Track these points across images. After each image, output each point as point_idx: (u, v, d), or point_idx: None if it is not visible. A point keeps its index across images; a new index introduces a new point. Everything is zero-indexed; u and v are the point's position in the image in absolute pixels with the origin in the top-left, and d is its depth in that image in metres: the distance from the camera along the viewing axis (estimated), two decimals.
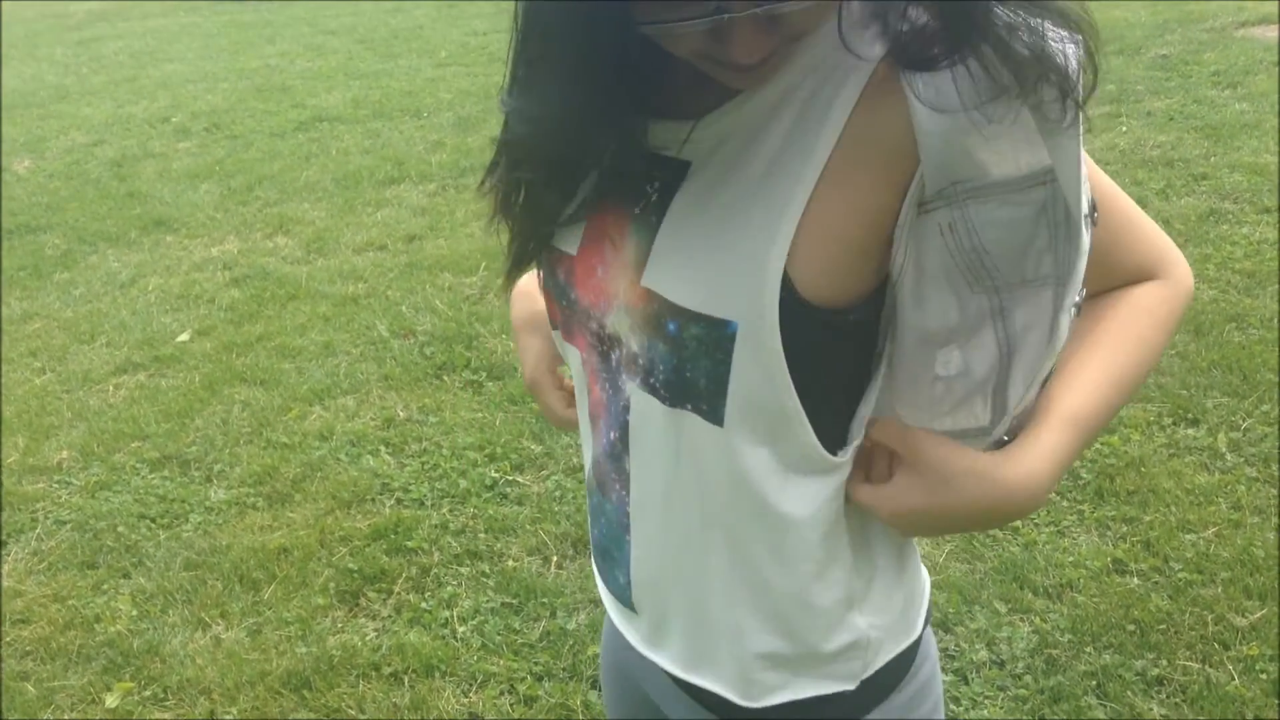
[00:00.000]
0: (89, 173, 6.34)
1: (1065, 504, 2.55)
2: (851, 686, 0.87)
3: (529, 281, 1.08)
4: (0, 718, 2.27)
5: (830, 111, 0.72)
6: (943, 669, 2.09)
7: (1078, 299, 0.75)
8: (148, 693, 2.30)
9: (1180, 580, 2.28)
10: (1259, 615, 2.17)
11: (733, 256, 0.75)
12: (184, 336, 4.00)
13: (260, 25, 11.11)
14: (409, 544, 2.65)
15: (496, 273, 4.18)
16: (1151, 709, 1.99)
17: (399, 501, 2.86)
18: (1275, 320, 3.15)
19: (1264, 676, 2.03)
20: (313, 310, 4.09)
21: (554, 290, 0.91)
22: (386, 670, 2.27)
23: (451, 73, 7.86)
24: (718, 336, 0.76)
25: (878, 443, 0.82)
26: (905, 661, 0.90)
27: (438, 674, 2.25)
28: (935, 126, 0.69)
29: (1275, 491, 2.51)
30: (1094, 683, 2.06)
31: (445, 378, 3.47)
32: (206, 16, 12.19)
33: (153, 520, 2.89)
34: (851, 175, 0.73)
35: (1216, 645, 2.11)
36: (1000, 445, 0.80)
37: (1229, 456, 2.64)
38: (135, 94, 8.38)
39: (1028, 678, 2.08)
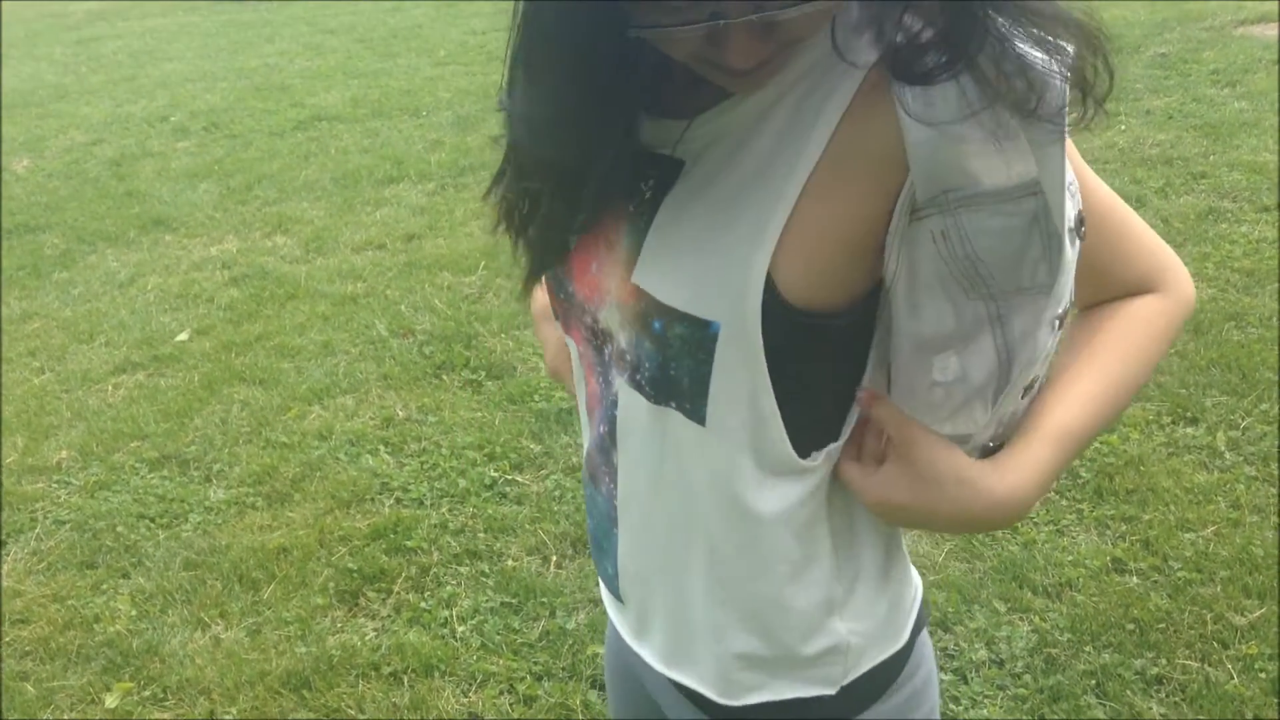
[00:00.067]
0: (88, 172, 6.34)
1: (1064, 503, 2.55)
2: (831, 691, 0.87)
3: None
4: (0, 717, 2.27)
5: (820, 117, 0.73)
6: (942, 668, 2.10)
7: (1060, 312, 0.75)
8: (147, 693, 2.30)
9: (1179, 579, 2.28)
10: (1258, 614, 2.17)
11: (718, 258, 0.76)
12: (183, 336, 4.00)
13: (259, 24, 11.11)
14: (408, 543, 2.65)
15: (496, 272, 4.18)
16: (1151, 708, 1.99)
17: (398, 501, 2.86)
18: (1274, 319, 3.16)
19: (1263, 675, 2.03)
20: (312, 310, 4.08)
21: (554, 283, 0.92)
22: (386, 670, 2.28)
23: (450, 72, 7.85)
24: (701, 337, 0.77)
25: (874, 421, 0.82)
26: (892, 668, 0.89)
27: (437, 674, 2.25)
28: (924, 137, 0.69)
29: (1274, 490, 2.51)
30: (1093, 682, 2.06)
31: (444, 377, 3.47)
32: (205, 16, 12.18)
33: (152, 520, 2.89)
34: (839, 182, 0.73)
35: (1216, 644, 2.11)
36: (988, 453, 0.81)
37: (1228, 455, 2.64)
38: (134, 93, 8.37)
39: (1027, 677, 2.08)
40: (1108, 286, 0.84)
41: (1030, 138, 0.68)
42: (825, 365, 0.80)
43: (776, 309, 0.74)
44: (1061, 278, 0.72)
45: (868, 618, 0.87)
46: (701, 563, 0.86)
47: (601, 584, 1.02)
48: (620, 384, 0.86)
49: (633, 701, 1.06)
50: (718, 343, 0.76)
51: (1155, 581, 2.29)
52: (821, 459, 0.82)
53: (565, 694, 2.16)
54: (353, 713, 2.18)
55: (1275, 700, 1.98)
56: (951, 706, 2.04)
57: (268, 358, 3.74)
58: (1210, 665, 2.07)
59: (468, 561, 2.59)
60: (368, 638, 2.38)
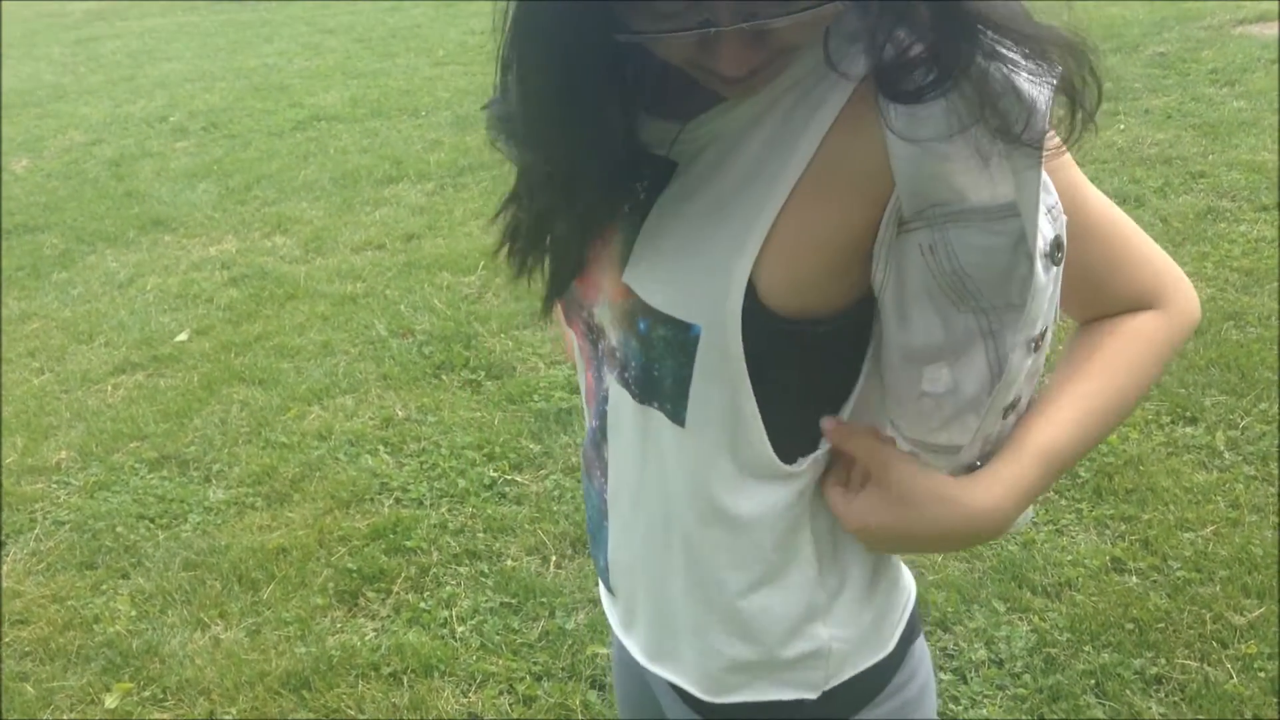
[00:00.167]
0: (87, 172, 6.33)
1: (1064, 503, 2.55)
2: (812, 696, 0.87)
3: None
4: (0, 718, 2.27)
5: (809, 126, 0.73)
6: (941, 668, 2.10)
7: (1035, 335, 0.74)
8: (147, 693, 2.30)
9: (1179, 579, 2.28)
10: (1257, 614, 2.17)
11: (701, 261, 0.76)
12: (182, 336, 4.00)
13: (258, 24, 11.10)
14: (408, 544, 2.65)
15: (495, 272, 4.18)
16: (1150, 708, 1.99)
17: (398, 501, 2.86)
18: (1273, 318, 3.16)
19: (1262, 675, 2.03)
20: (311, 310, 4.08)
21: None
22: (385, 670, 2.28)
23: (449, 72, 7.85)
24: (682, 339, 0.77)
25: (843, 450, 0.82)
26: (878, 675, 0.89)
27: (437, 674, 2.25)
28: (908, 153, 0.69)
29: (1273, 490, 2.51)
30: (1093, 681, 2.06)
31: (444, 377, 3.47)
32: (204, 15, 12.17)
33: (151, 520, 2.89)
34: (824, 191, 0.73)
35: (1215, 644, 2.11)
36: (972, 470, 0.81)
37: (1227, 455, 2.64)
38: (133, 93, 8.37)
39: (1026, 676, 2.08)
40: (1105, 300, 0.83)
41: (1010, 161, 0.68)
42: (808, 372, 0.80)
43: (758, 315, 0.75)
44: (1033, 301, 0.71)
45: (852, 625, 0.87)
46: (681, 561, 0.87)
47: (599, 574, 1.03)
48: (611, 380, 0.87)
49: (636, 695, 1.07)
50: (698, 346, 0.77)
51: (1154, 581, 2.29)
52: (806, 465, 0.82)
53: (565, 694, 2.16)
54: (352, 713, 2.18)
55: (1275, 700, 1.98)
56: (951, 706, 2.04)
57: (267, 358, 3.74)
58: (1209, 665, 2.07)
59: (467, 561, 2.59)
60: (367, 638, 2.38)
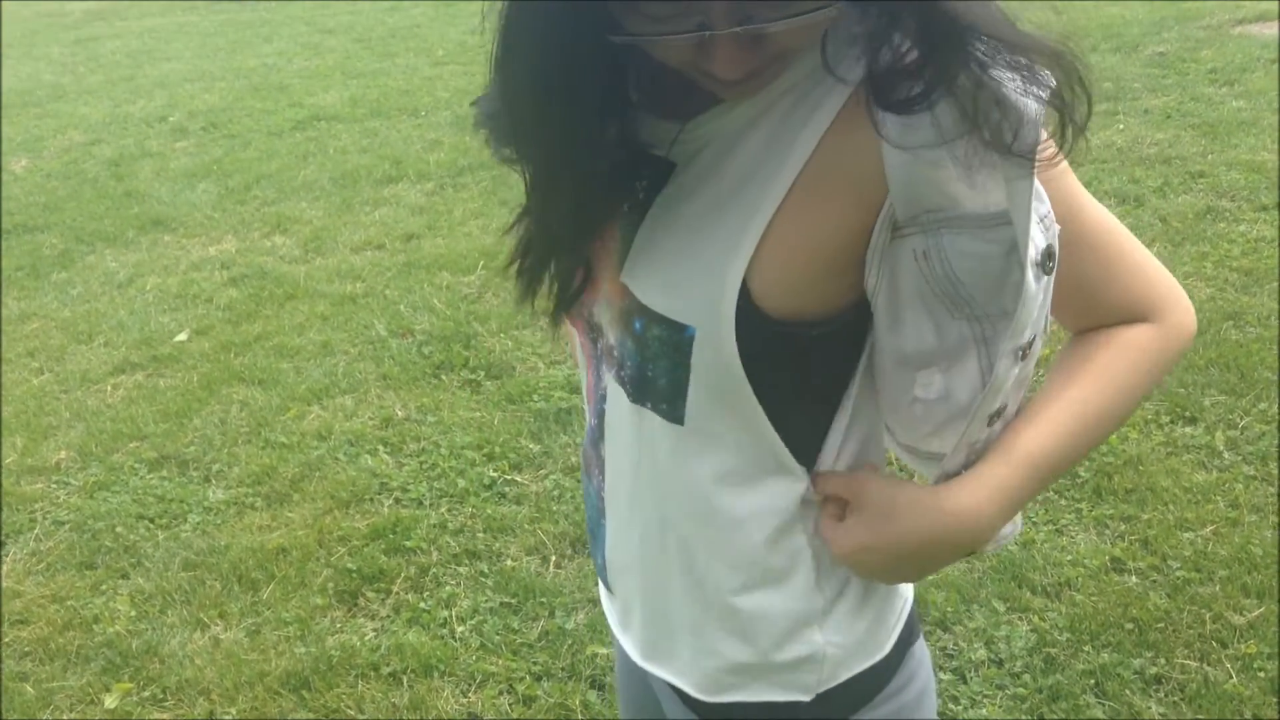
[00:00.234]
0: (86, 172, 6.33)
1: (1063, 502, 2.55)
2: (806, 698, 0.87)
3: None
4: (0, 718, 2.28)
5: (804, 130, 0.73)
6: (941, 668, 2.10)
7: (1022, 344, 0.74)
8: (146, 693, 2.30)
9: (1178, 579, 2.28)
10: (1257, 613, 2.17)
11: (696, 263, 0.76)
12: (182, 336, 4.00)
13: (258, 24, 11.10)
14: (407, 544, 2.65)
15: (495, 272, 4.18)
16: (1150, 707, 1.99)
17: (397, 501, 2.86)
18: (1273, 318, 3.16)
19: (1262, 674, 2.03)
20: (311, 310, 4.08)
21: None
22: (385, 670, 2.28)
23: (449, 71, 7.85)
24: (677, 340, 0.77)
25: (823, 492, 0.83)
26: (874, 679, 0.89)
27: (436, 674, 2.25)
28: (900, 159, 0.69)
29: (1273, 490, 2.51)
30: (1092, 681, 2.06)
31: (443, 377, 3.47)
32: (204, 15, 12.17)
33: (151, 520, 2.89)
34: (819, 195, 0.73)
35: (1215, 643, 2.11)
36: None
37: (1227, 455, 2.64)
38: (132, 93, 8.36)
39: (1026, 676, 2.08)
40: (1099, 311, 0.82)
41: (1003, 170, 0.69)
42: (804, 374, 0.80)
43: (752, 317, 0.75)
44: (1021, 310, 0.71)
45: (848, 631, 0.87)
46: (677, 561, 0.87)
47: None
48: (609, 379, 0.87)
49: (637, 695, 1.07)
50: (693, 347, 0.77)
51: (1154, 581, 2.29)
52: (805, 468, 0.83)
53: (564, 694, 2.16)
54: (352, 713, 2.18)
55: (1274, 699, 1.98)
56: (951, 706, 2.04)
57: (267, 358, 3.73)
58: (1209, 664, 2.07)
59: (467, 561, 2.59)
60: (367, 638, 2.38)
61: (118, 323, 4.17)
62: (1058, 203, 0.73)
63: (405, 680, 2.25)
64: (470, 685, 2.23)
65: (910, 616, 0.93)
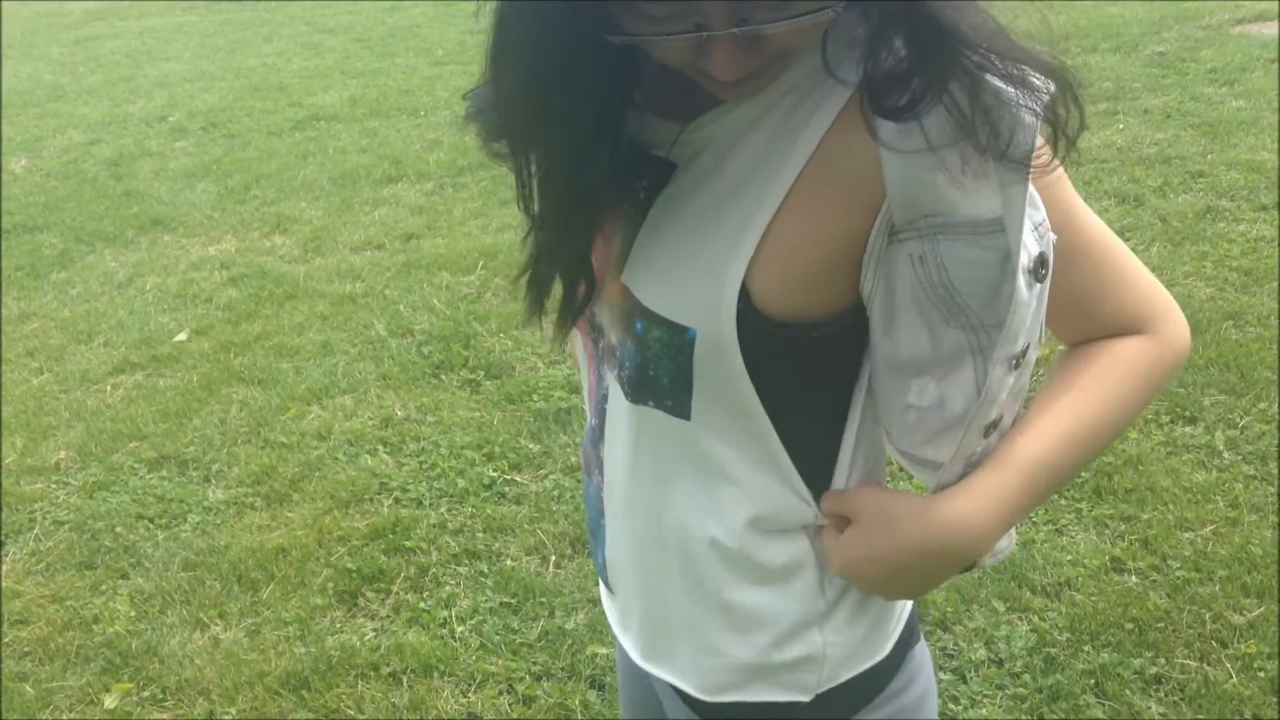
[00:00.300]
0: (86, 172, 6.33)
1: (1063, 502, 2.55)
2: (806, 698, 0.87)
3: None
4: (0, 718, 2.28)
5: (804, 132, 0.73)
6: (941, 668, 2.10)
7: (1015, 352, 0.74)
8: (146, 693, 2.30)
9: (1178, 578, 2.28)
10: (1257, 613, 2.17)
11: (696, 264, 0.76)
12: (181, 336, 4.00)
13: (257, 24, 11.10)
14: (407, 544, 2.65)
15: (494, 271, 4.18)
16: (1150, 707, 1.99)
17: (397, 501, 2.86)
18: (1273, 318, 3.16)
19: (1262, 674, 2.03)
20: (310, 309, 4.08)
21: None
22: (385, 670, 2.27)
23: (449, 71, 7.85)
24: (678, 342, 0.77)
25: (827, 514, 0.83)
26: (874, 680, 0.89)
27: (436, 674, 2.25)
28: (896, 163, 0.69)
29: (1273, 489, 2.51)
30: (1092, 681, 2.06)
31: (443, 377, 3.47)
32: (203, 15, 12.17)
33: (151, 520, 2.89)
34: (818, 197, 0.73)
35: (1214, 643, 2.11)
36: None
37: (1226, 454, 2.64)
38: (132, 93, 8.36)
39: (1026, 676, 2.08)
40: (1094, 323, 0.82)
41: (998, 176, 0.69)
42: (807, 375, 0.80)
43: (752, 318, 0.75)
44: (1013, 317, 0.71)
45: (848, 632, 0.87)
46: (677, 561, 0.87)
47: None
48: (610, 379, 0.87)
49: (638, 694, 1.07)
50: (695, 348, 0.77)
51: (1154, 581, 2.29)
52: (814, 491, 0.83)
53: (564, 694, 2.16)
54: (352, 713, 2.18)
55: (1274, 699, 1.98)
56: (951, 706, 2.04)
57: (266, 358, 3.73)
58: (1209, 664, 2.07)
59: (467, 561, 2.59)
60: (367, 638, 2.38)
61: (117, 323, 4.17)
62: (1054, 213, 0.73)
63: (405, 680, 2.25)
64: (470, 685, 2.22)
65: (911, 618, 0.93)
